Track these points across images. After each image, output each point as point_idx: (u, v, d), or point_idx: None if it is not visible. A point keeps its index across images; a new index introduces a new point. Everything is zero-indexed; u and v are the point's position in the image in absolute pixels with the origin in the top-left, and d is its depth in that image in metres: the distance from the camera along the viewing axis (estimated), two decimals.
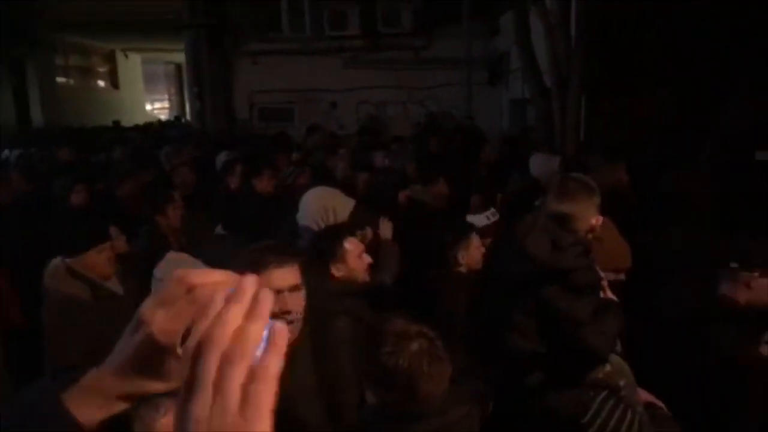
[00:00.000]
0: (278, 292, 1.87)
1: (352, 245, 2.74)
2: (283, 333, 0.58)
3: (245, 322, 0.57)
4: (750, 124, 5.54)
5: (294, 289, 1.93)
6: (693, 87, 7.74)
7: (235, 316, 0.58)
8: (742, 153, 5.33)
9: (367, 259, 2.77)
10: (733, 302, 2.35)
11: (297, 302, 1.94)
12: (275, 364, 0.56)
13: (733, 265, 2.38)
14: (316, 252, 2.74)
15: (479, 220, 3.63)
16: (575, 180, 2.24)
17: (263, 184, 4.91)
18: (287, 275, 1.91)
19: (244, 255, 2.00)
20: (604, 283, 2.10)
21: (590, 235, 2.19)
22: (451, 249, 3.15)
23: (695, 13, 7.48)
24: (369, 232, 3.45)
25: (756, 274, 2.34)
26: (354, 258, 2.71)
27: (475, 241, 3.18)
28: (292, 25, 12.24)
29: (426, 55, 12.74)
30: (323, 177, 5.32)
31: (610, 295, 2.10)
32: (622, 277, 2.66)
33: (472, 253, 3.13)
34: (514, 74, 10.72)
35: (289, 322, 1.90)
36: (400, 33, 12.55)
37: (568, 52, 6.88)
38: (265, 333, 0.57)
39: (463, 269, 3.13)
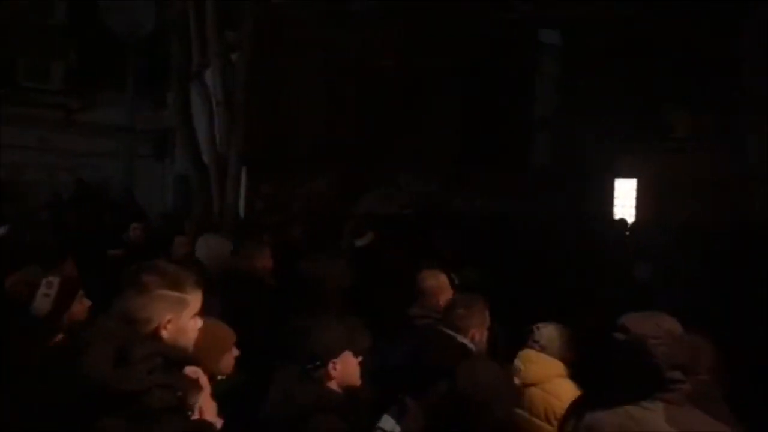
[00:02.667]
0: None
1: None
2: None
3: None
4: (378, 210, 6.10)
5: None
6: (349, 175, 8.46)
7: None
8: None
9: None
10: (330, 391, 2.31)
11: None
12: None
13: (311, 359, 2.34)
14: None
15: (38, 302, 2.95)
16: (149, 270, 1.78)
17: None
18: None
19: None
20: (203, 396, 1.72)
21: (179, 337, 1.77)
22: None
23: (353, 108, 8.29)
24: None
25: (332, 365, 2.32)
26: None
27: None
28: None
29: (81, 119, 11.41)
30: None
31: (209, 412, 1.71)
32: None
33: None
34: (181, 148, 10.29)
35: None
36: (49, 90, 11.02)
37: (228, 131, 6.79)
38: None
39: None
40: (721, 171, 8.83)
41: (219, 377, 2.38)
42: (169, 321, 1.73)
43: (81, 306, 3.07)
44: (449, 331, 2.91)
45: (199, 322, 1.82)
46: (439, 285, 3.44)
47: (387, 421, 2.41)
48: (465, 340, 2.88)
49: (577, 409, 2.07)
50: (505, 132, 10.17)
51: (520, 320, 3.12)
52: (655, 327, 1.87)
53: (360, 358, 2.39)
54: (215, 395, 2.01)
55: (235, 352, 2.48)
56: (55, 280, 3.05)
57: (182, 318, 1.77)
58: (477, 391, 2.26)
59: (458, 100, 9.89)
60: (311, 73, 8.07)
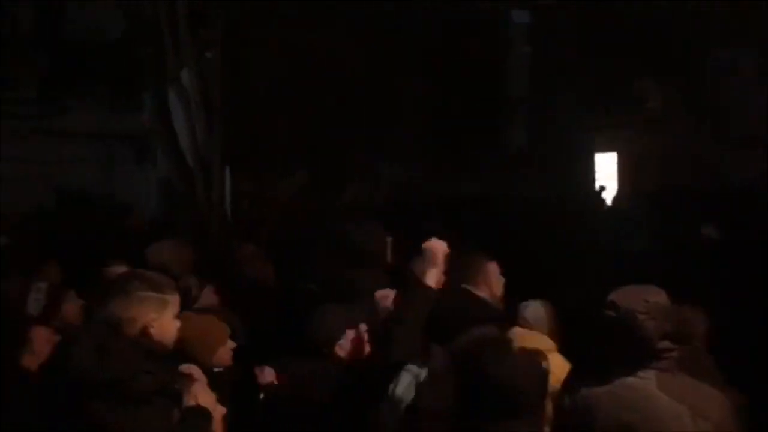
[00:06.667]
0: None
1: None
2: None
3: None
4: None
5: None
6: (328, 168, 8.50)
7: None
8: None
9: None
10: None
11: None
12: None
13: None
14: None
15: (30, 306, 3.14)
16: (131, 276, 2.05)
17: None
18: None
19: None
20: (198, 385, 1.85)
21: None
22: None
23: (327, 101, 8.31)
24: None
25: None
26: None
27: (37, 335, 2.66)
28: None
29: (56, 127, 11.25)
30: None
31: (205, 400, 1.84)
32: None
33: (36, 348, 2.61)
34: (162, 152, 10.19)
35: None
36: (21, 99, 10.85)
37: (208, 131, 6.78)
38: None
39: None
40: (693, 139, 9.03)
41: (216, 369, 2.48)
42: (154, 320, 1.95)
43: (73, 306, 3.23)
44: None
45: (178, 323, 2.03)
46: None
47: (411, 369, 2.42)
48: (485, 294, 2.84)
49: (571, 384, 2.15)
50: (481, 114, 10.25)
51: (507, 300, 3.22)
52: (643, 302, 1.93)
53: None
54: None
55: (231, 345, 2.60)
56: (43, 285, 3.25)
57: (165, 317, 1.98)
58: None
59: (432, 85, 9.94)
60: (284, 68, 8.07)
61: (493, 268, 2.94)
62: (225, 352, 2.56)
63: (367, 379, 2.39)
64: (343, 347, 2.48)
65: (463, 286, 2.84)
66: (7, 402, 2.24)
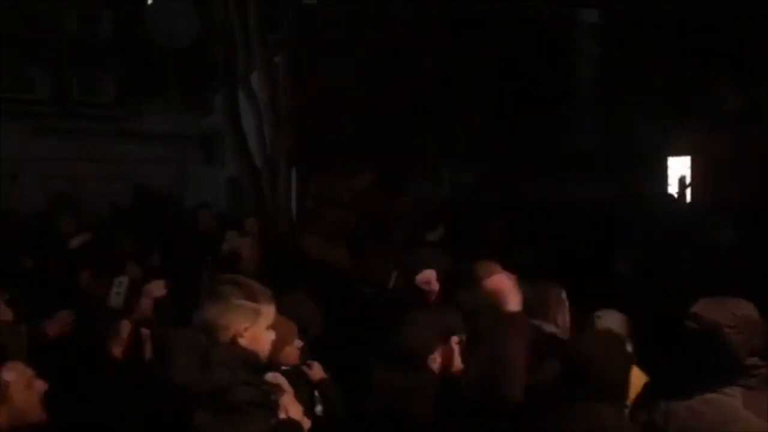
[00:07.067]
0: None
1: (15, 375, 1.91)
2: None
3: None
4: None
5: None
6: (391, 169, 8.53)
7: None
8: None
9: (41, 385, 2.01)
10: None
11: None
12: None
13: None
14: None
15: (112, 299, 3.20)
16: (228, 282, 1.97)
17: None
18: None
19: None
20: (287, 397, 1.81)
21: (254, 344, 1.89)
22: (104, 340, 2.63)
23: (392, 102, 8.35)
24: None
25: None
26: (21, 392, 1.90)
27: (125, 327, 2.69)
28: None
29: (132, 128, 11.82)
30: None
31: (295, 412, 1.80)
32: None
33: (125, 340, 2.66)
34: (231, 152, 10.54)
35: None
36: (100, 102, 11.46)
37: (276, 133, 6.94)
38: None
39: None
40: None
41: (283, 367, 2.43)
42: (245, 329, 1.88)
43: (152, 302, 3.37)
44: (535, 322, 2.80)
45: (272, 335, 1.96)
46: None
47: None
48: (553, 329, 2.80)
49: (648, 396, 2.07)
50: (548, 116, 10.03)
51: (578, 307, 3.12)
52: (730, 315, 1.83)
53: None
54: None
55: (298, 344, 2.57)
56: (124, 279, 3.37)
57: (257, 327, 1.92)
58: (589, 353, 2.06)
59: (498, 86, 9.80)
60: (349, 71, 8.16)
61: (563, 299, 2.88)
62: (292, 351, 2.52)
63: (461, 393, 2.25)
64: (435, 359, 2.31)
65: (532, 321, 2.71)
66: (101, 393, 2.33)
